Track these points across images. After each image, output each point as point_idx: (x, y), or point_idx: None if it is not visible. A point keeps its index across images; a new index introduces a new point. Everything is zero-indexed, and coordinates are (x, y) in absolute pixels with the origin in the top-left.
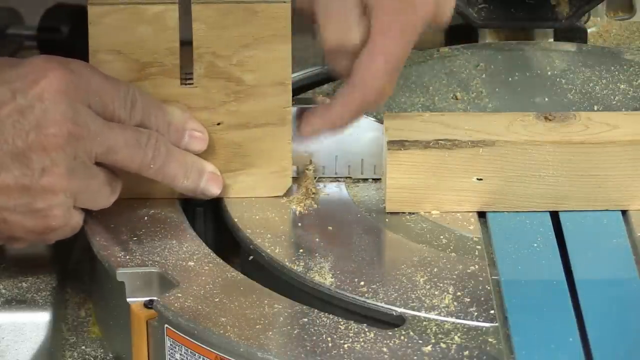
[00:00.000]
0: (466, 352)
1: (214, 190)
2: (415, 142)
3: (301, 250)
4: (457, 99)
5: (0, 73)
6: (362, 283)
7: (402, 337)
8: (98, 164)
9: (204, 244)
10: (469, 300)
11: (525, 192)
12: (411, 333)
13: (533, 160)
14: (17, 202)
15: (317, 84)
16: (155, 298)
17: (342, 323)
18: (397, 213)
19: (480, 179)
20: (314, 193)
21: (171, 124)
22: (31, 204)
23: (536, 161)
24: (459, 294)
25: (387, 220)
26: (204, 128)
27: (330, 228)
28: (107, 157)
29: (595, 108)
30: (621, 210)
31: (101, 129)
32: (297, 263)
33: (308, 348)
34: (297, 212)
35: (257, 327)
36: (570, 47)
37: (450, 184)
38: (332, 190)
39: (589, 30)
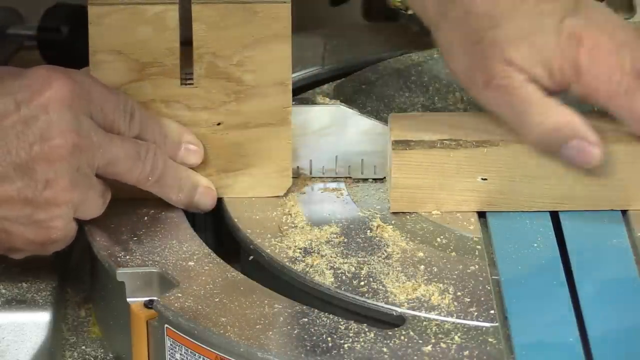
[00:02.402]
0: (466, 352)
1: (208, 205)
2: (420, 142)
3: (301, 250)
4: (457, 98)
5: (2, 83)
6: (362, 283)
7: (402, 337)
8: (96, 175)
9: (204, 244)
10: (469, 300)
11: (530, 191)
12: (411, 333)
13: (537, 160)
14: (19, 213)
15: (317, 84)
16: (155, 298)
17: (342, 323)
18: (397, 212)
19: (485, 179)
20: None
21: (167, 136)
22: (33, 216)
23: (541, 161)
24: (459, 294)
25: (386, 219)
26: (199, 141)
27: (330, 228)
28: (108, 169)
29: (596, 108)
30: (621, 210)
31: (103, 140)
32: (297, 263)
33: (308, 348)
34: (297, 212)
35: (257, 327)
36: None
37: (455, 184)
38: (332, 190)
39: None
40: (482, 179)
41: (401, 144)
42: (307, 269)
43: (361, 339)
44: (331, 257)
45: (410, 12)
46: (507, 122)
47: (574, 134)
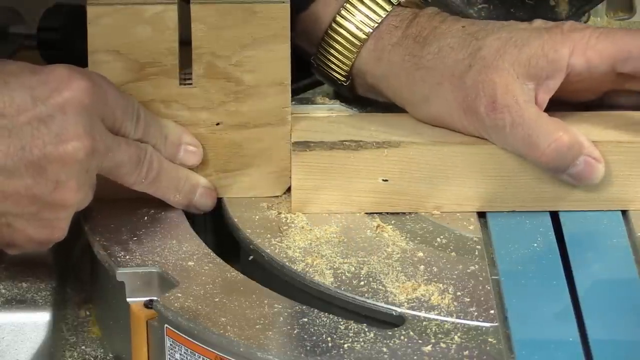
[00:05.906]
0: (466, 352)
1: (207, 205)
2: (320, 143)
3: (301, 250)
4: None
5: (21, 77)
6: (362, 283)
7: (402, 337)
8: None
9: (203, 244)
10: (469, 300)
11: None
12: (411, 333)
13: (440, 160)
14: (25, 209)
15: (317, 83)
16: (155, 298)
17: (342, 323)
18: (397, 213)
19: (386, 180)
20: None
21: (167, 138)
22: (38, 214)
23: (446, 161)
24: (459, 294)
25: (386, 219)
26: (198, 142)
27: (330, 228)
28: (112, 171)
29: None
30: (621, 210)
31: (112, 144)
32: (297, 263)
33: (308, 348)
34: (297, 212)
35: (257, 327)
36: None
37: (356, 185)
38: None
39: None
40: (383, 180)
41: (301, 145)
42: (307, 269)
43: (361, 339)
44: (331, 257)
45: None
46: (514, 147)
47: (581, 152)
